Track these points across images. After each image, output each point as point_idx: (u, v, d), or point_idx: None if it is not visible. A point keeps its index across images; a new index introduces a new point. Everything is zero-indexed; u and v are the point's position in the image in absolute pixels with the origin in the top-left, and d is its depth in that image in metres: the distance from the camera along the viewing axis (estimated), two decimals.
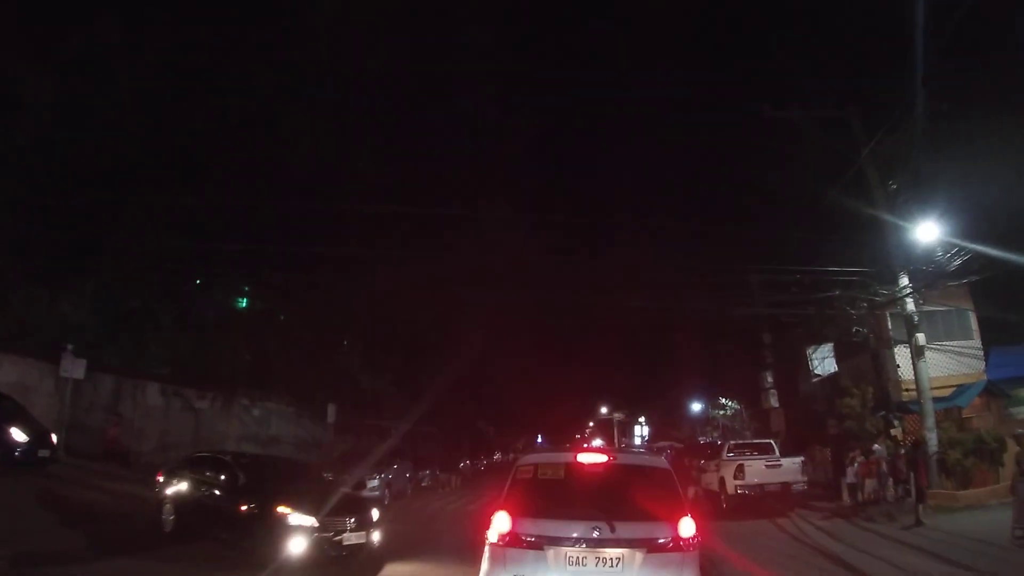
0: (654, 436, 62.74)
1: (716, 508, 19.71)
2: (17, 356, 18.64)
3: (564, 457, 7.43)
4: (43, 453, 16.02)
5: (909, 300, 19.76)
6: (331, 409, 28.46)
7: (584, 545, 6.32)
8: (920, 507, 15.89)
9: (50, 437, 16.49)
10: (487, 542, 6.70)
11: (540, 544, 6.40)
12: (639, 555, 6.30)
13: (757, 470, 19.33)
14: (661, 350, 40.38)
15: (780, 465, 19.69)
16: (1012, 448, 15.80)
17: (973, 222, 18.31)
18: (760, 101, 21.99)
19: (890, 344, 22.41)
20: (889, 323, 22.49)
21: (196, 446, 21.36)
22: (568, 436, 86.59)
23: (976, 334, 23.17)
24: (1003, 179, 19.82)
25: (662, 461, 7.74)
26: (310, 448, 27.31)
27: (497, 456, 56.52)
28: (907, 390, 21.53)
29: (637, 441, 67.53)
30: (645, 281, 25.70)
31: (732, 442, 22.65)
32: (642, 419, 71.99)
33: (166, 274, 22.92)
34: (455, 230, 25.90)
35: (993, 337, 22.94)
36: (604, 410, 79.05)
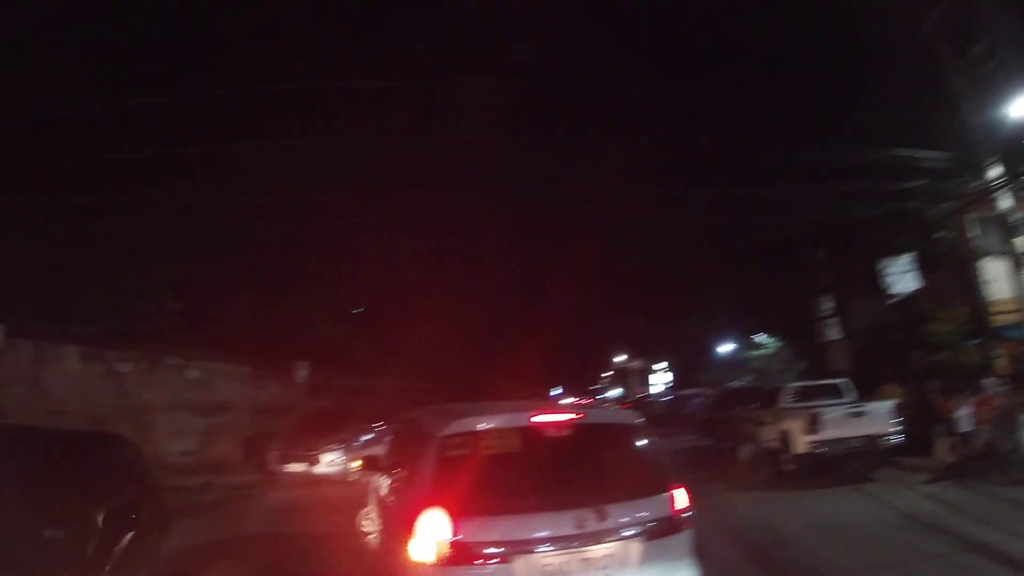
0: (678, 383, 58.18)
1: (773, 473, 14.61)
2: None
3: (514, 420, 5.27)
4: None
5: (1004, 195, 15.11)
6: (299, 367, 23.95)
7: (566, 545, 4.66)
8: None
9: None
10: (406, 558, 4.70)
11: (504, 554, 4.57)
12: (635, 546, 4.89)
13: (837, 420, 13.92)
14: (683, 283, 35.25)
15: (865, 412, 14.66)
16: None
17: None
18: None
19: (975, 255, 17.81)
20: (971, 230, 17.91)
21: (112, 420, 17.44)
22: (583, 388, 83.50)
23: None
24: None
25: (633, 416, 5.95)
26: (277, 414, 22.81)
27: None
28: (997, 313, 17.05)
29: (660, 389, 62.97)
30: (659, 192, 19.71)
31: (794, 384, 17.49)
32: (663, 365, 67.29)
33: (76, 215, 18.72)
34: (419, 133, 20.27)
35: None
36: (621, 358, 75.03)
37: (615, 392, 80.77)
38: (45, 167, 17.54)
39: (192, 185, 19.47)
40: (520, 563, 4.60)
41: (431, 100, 19.00)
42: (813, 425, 13.80)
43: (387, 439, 10.94)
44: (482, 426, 5.18)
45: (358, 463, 15.75)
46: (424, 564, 4.63)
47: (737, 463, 15.49)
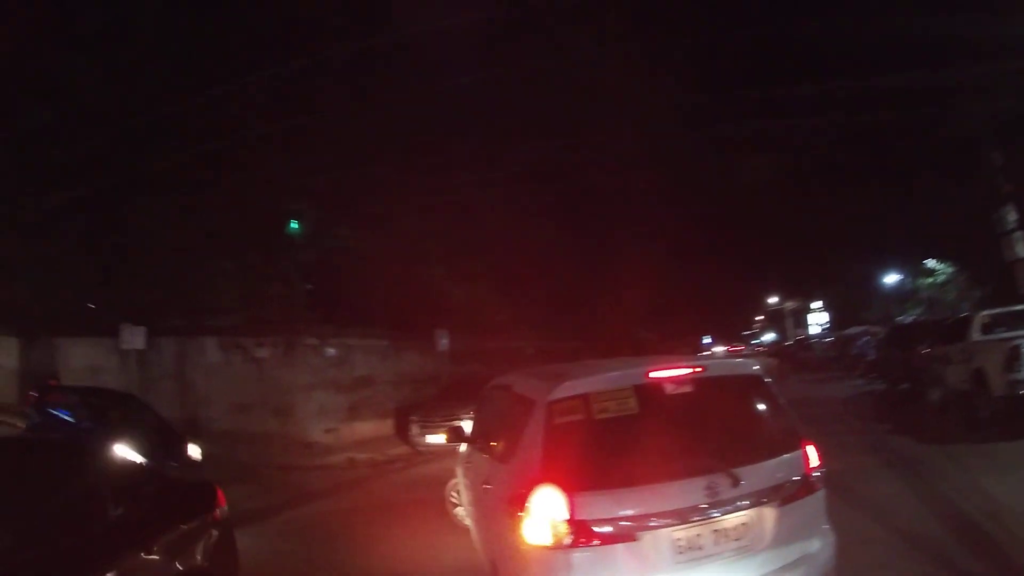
0: (836, 323, 54.69)
1: (966, 421, 12.52)
2: (85, 339, 17.52)
3: (628, 378, 4.60)
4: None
5: None
6: (440, 335, 23.47)
7: (697, 516, 4.10)
8: None
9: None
10: (519, 541, 4.22)
11: (628, 531, 4.05)
12: (770, 512, 4.29)
13: None
14: (838, 207, 32.21)
15: None
16: None
17: None
18: None
19: None
20: None
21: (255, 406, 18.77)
22: (735, 334, 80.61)
23: None
24: None
25: (752, 365, 5.18)
26: (422, 385, 22.76)
27: None
28: None
29: (815, 331, 59.60)
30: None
31: (987, 312, 15.00)
32: (818, 304, 63.70)
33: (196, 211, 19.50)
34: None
35: None
36: (773, 300, 71.81)
37: (769, 336, 77.70)
38: (169, 171, 17.88)
39: (313, 158, 19.34)
40: (647, 540, 4.10)
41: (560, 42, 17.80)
42: (1015, 360, 11.62)
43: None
44: (593, 387, 4.58)
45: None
46: (540, 548, 4.15)
47: (920, 410, 13.46)
